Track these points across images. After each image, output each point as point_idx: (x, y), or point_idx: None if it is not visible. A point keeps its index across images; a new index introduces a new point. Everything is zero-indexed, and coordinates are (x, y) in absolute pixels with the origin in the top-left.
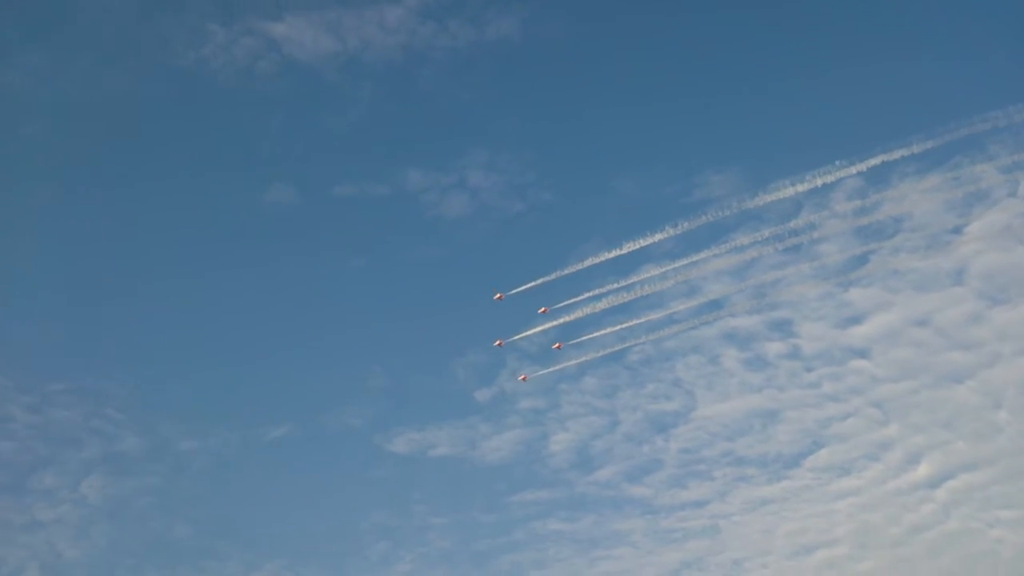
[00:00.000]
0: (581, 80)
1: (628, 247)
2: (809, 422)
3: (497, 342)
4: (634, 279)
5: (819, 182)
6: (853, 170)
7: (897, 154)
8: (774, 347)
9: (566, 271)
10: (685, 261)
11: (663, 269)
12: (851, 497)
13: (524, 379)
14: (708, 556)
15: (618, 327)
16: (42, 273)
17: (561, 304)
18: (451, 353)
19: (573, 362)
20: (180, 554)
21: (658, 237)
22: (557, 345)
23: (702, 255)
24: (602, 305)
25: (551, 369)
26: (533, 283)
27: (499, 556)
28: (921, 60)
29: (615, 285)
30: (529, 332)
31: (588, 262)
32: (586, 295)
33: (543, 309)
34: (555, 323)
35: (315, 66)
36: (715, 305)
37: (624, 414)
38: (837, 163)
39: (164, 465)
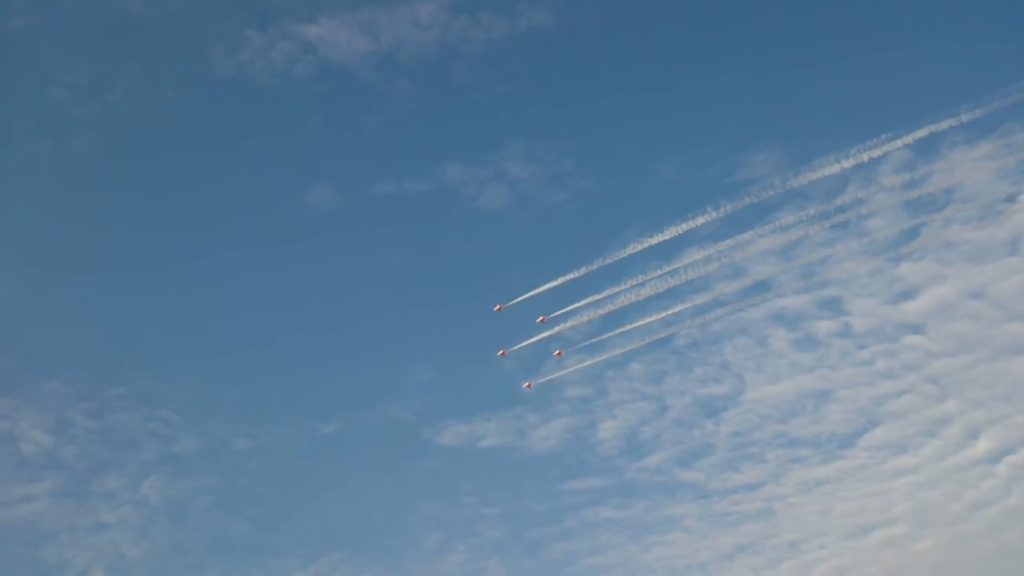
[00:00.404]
0: (616, 66)
1: (670, 231)
2: (863, 401)
3: (500, 352)
4: (678, 263)
5: (865, 156)
6: (900, 143)
7: (945, 124)
8: (824, 326)
9: (608, 259)
10: (729, 243)
11: (707, 252)
12: (909, 475)
13: (528, 386)
14: (763, 539)
15: (663, 313)
16: (95, 283)
17: (604, 293)
18: (496, 345)
19: (618, 351)
20: (239, 551)
21: (701, 220)
22: (557, 352)
23: (746, 236)
24: (646, 292)
25: (557, 375)
26: (544, 287)
27: (552, 544)
28: (966, 27)
29: (659, 271)
30: (568, 323)
31: (630, 248)
32: (630, 282)
33: (541, 318)
34: (601, 311)
35: (351, 66)
36: (762, 286)
37: (672, 399)
38: (883, 136)
39: (220, 464)
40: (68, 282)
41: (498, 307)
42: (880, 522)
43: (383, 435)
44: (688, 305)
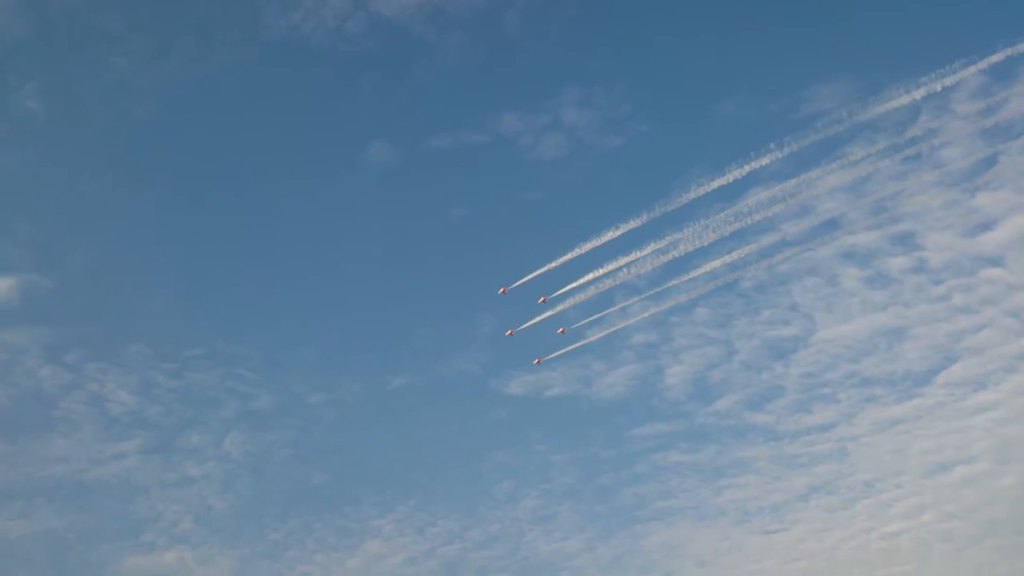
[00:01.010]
0: (671, 3)
1: (734, 172)
2: (939, 337)
3: (508, 332)
4: (742, 205)
5: (937, 85)
6: (974, 68)
7: (1023, 47)
8: (897, 262)
9: (670, 204)
10: (796, 181)
11: (772, 192)
12: (989, 411)
13: (537, 362)
14: (837, 479)
15: (729, 256)
16: (170, 247)
17: (666, 240)
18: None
19: (683, 297)
20: (319, 501)
21: (765, 159)
22: (561, 330)
23: (814, 173)
24: (710, 236)
25: (564, 350)
26: (605, 237)
27: (622, 489)
28: None
29: (723, 214)
30: (630, 272)
31: (692, 192)
32: (693, 227)
33: (542, 299)
34: (666, 258)
35: (402, 21)
36: (831, 224)
37: (740, 342)
38: (956, 63)
39: (297, 419)
40: (144, 249)
41: (502, 290)
42: (959, 459)
43: (451, 387)
44: (754, 247)
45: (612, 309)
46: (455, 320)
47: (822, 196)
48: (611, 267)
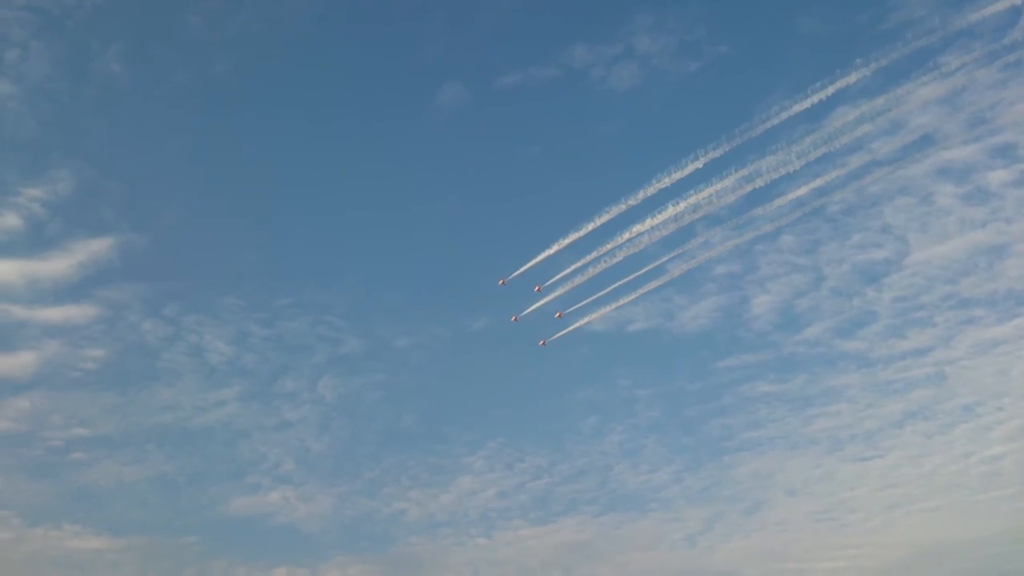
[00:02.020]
0: None
1: (819, 92)
2: None
3: (513, 318)
4: (829, 125)
5: None
6: None
7: None
8: (997, 176)
9: (753, 129)
10: (885, 97)
11: (860, 110)
12: None
13: (543, 344)
14: (934, 404)
15: (816, 181)
16: (255, 200)
17: (749, 168)
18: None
19: (768, 226)
20: (411, 440)
21: (852, 76)
22: (558, 314)
23: (905, 87)
24: (796, 163)
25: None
26: (688, 169)
27: (709, 421)
28: None
29: (808, 136)
30: (713, 205)
31: (775, 116)
32: (777, 152)
33: (537, 287)
34: (750, 187)
35: None
36: (925, 140)
37: (829, 268)
38: None
39: (385, 362)
40: (231, 203)
41: (502, 281)
42: None
43: (531, 326)
44: (842, 170)
45: (694, 241)
46: (532, 260)
47: (914, 111)
48: (692, 199)
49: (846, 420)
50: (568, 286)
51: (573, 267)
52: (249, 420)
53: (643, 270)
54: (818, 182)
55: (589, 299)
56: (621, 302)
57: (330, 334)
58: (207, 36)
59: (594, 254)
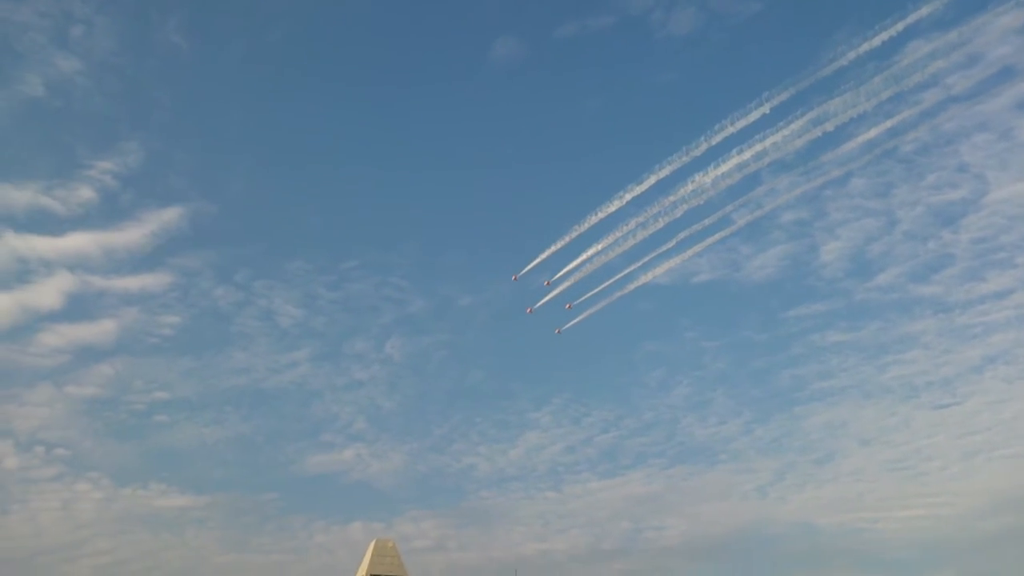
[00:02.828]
0: None
1: (889, 27)
2: None
3: (528, 310)
4: (900, 61)
5: None
6: None
7: None
8: None
9: (820, 70)
10: (961, 29)
11: (934, 44)
12: None
13: (558, 332)
14: (1015, 348)
15: (888, 121)
16: (317, 165)
17: (816, 111)
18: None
19: (838, 170)
20: (477, 397)
21: (924, 8)
22: (568, 306)
23: (981, 18)
24: (866, 104)
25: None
26: (751, 116)
27: (778, 372)
28: None
29: (879, 75)
30: (778, 154)
31: (843, 57)
32: (845, 94)
33: (547, 282)
34: (818, 131)
35: None
36: (1005, 73)
37: (902, 211)
38: None
39: (450, 321)
40: (294, 168)
41: (514, 278)
42: None
43: (596, 279)
44: (915, 109)
45: (760, 189)
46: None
47: (992, 43)
48: (757, 147)
49: (922, 367)
50: (630, 242)
51: (634, 221)
52: (320, 380)
53: (707, 221)
54: (890, 123)
55: (653, 254)
56: (686, 254)
57: (395, 295)
58: (264, 4)
59: (656, 207)
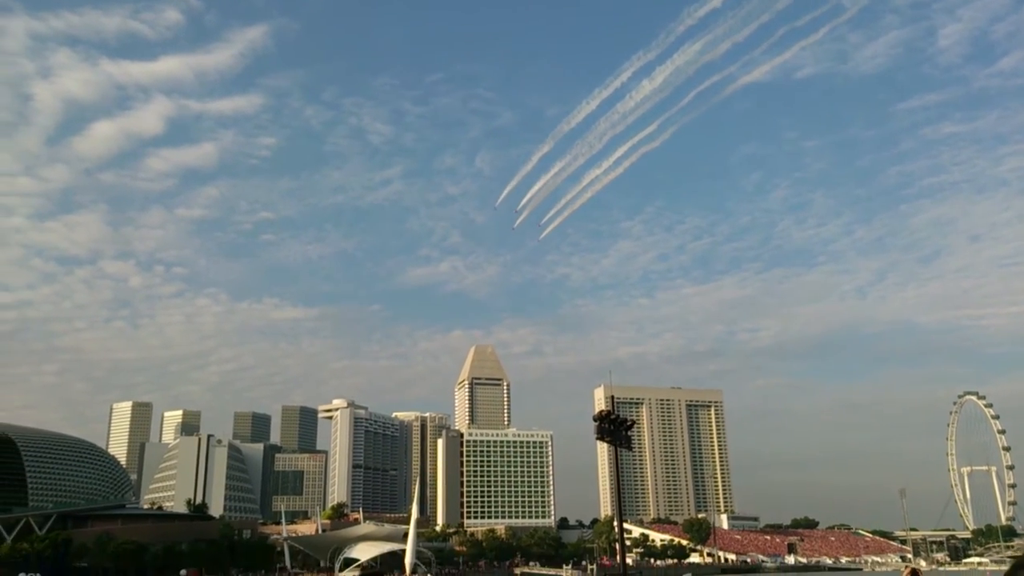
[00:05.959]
0: None
1: None
2: None
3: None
4: None
5: None
6: None
7: None
8: None
9: None
10: None
11: None
12: None
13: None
14: None
15: None
16: None
17: None
18: None
19: None
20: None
21: None
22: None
23: None
24: None
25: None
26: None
27: (885, 170)
28: None
29: None
30: None
31: None
32: None
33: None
34: None
35: None
36: None
37: None
38: None
39: (539, 132)
40: None
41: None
42: None
43: (688, 84)
44: None
45: None
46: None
47: None
48: None
49: None
50: (728, 42)
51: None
52: (414, 197)
53: (816, 12)
54: None
55: (755, 51)
56: (793, 50)
57: (483, 108)
58: None
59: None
